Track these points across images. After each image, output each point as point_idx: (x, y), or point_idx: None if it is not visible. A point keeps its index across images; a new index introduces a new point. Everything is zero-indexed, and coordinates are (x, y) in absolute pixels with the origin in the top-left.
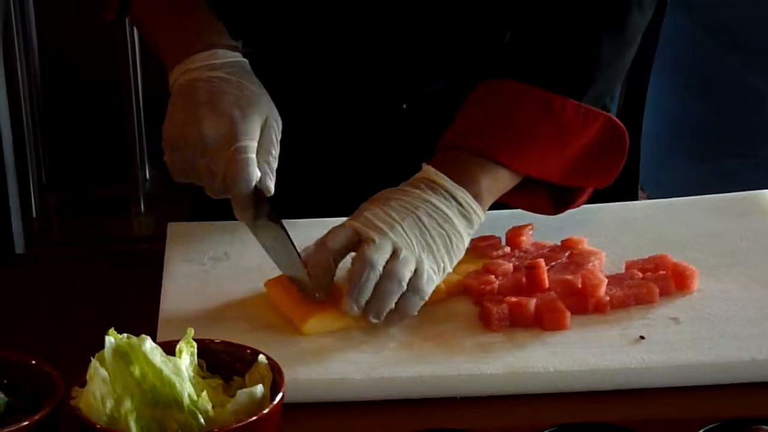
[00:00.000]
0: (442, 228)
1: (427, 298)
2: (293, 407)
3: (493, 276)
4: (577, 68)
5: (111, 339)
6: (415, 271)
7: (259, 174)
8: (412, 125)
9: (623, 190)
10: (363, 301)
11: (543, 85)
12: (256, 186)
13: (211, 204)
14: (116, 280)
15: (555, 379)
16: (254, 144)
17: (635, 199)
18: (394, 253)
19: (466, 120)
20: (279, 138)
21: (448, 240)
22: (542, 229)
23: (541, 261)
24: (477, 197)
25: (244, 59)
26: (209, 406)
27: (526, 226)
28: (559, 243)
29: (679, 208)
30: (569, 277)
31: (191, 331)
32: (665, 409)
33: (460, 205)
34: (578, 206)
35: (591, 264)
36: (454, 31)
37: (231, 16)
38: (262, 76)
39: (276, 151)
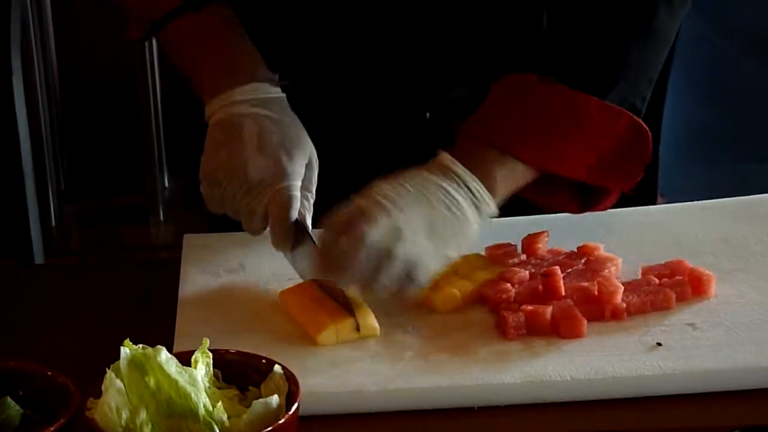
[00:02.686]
0: (450, 211)
1: (426, 284)
2: (309, 418)
3: (509, 284)
4: (602, 67)
5: (126, 350)
6: (414, 261)
7: (297, 209)
8: (435, 134)
9: (642, 195)
10: (350, 273)
11: (567, 83)
12: (296, 221)
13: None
14: (134, 290)
15: (572, 388)
16: (298, 184)
17: (654, 204)
18: (391, 230)
19: (487, 112)
20: (317, 174)
21: (455, 223)
22: (558, 236)
23: (557, 268)
24: (490, 188)
25: (283, 94)
26: (225, 417)
27: (541, 233)
28: (575, 249)
29: (694, 212)
30: (585, 284)
31: (206, 342)
32: (683, 416)
33: (472, 193)
34: (605, 208)
35: (607, 270)
36: (477, 39)
37: (252, 33)
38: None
39: (314, 188)
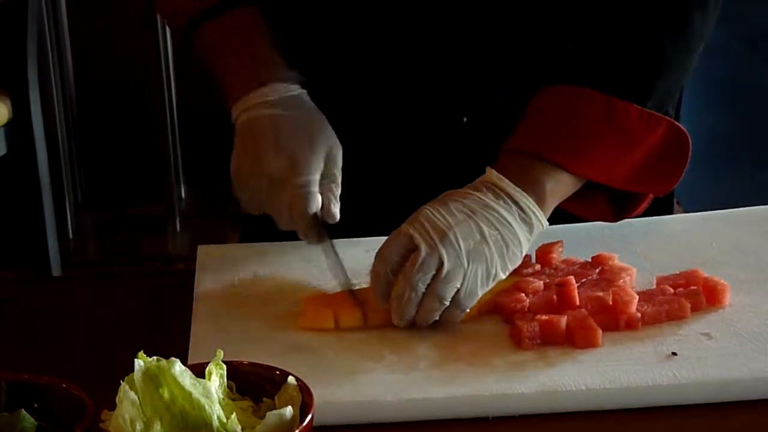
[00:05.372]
0: (500, 233)
1: (468, 310)
2: (323, 429)
3: (523, 294)
4: (639, 73)
5: (140, 362)
6: (460, 285)
7: (320, 204)
8: (472, 139)
9: (659, 204)
10: (407, 318)
11: (606, 90)
12: (318, 215)
13: (260, 227)
14: (150, 301)
15: (587, 397)
16: (315, 178)
17: (671, 213)
18: (439, 269)
19: (529, 124)
20: (341, 165)
21: (504, 246)
22: (573, 246)
23: (572, 278)
24: (540, 201)
25: (302, 90)
26: (239, 428)
27: (556, 243)
28: (589, 259)
29: (708, 222)
30: (600, 293)
31: (220, 353)
32: (698, 426)
33: (522, 210)
34: (639, 213)
35: (622, 280)
36: (515, 43)
37: (286, 34)
38: (319, 98)
39: (338, 179)
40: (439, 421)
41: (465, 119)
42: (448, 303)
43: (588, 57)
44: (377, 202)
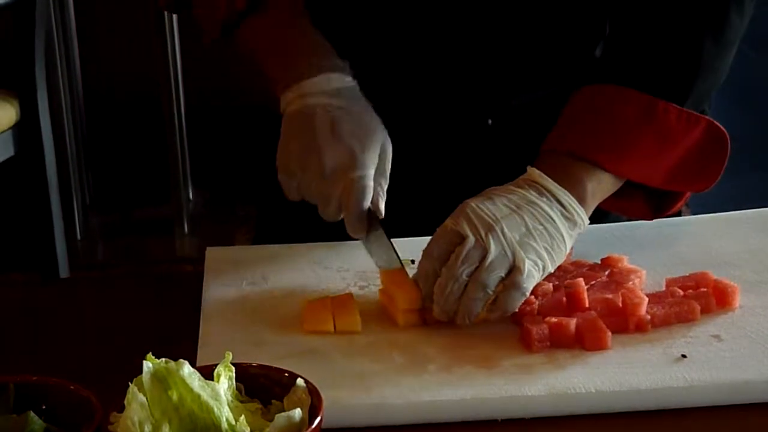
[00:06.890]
0: (544, 228)
1: (528, 294)
2: (332, 431)
3: (532, 296)
4: (678, 73)
5: (149, 364)
6: (514, 267)
7: (371, 198)
8: (497, 141)
9: None
10: (449, 310)
11: (646, 90)
12: (369, 209)
13: (274, 230)
14: (158, 303)
15: (597, 400)
16: (371, 172)
17: (679, 215)
18: (483, 259)
19: (569, 124)
20: (391, 160)
21: (549, 239)
22: (582, 248)
23: (581, 280)
24: (581, 200)
25: (354, 82)
26: (247, 431)
27: None
28: (599, 261)
29: (718, 224)
30: (609, 296)
31: (229, 356)
32: (709, 428)
33: (564, 207)
34: (676, 211)
35: (631, 282)
36: (540, 47)
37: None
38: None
39: (388, 173)
40: (448, 424)
41: (490, 122)
42: (491, 292)
43: (627, 57)
44: (401, 205)
